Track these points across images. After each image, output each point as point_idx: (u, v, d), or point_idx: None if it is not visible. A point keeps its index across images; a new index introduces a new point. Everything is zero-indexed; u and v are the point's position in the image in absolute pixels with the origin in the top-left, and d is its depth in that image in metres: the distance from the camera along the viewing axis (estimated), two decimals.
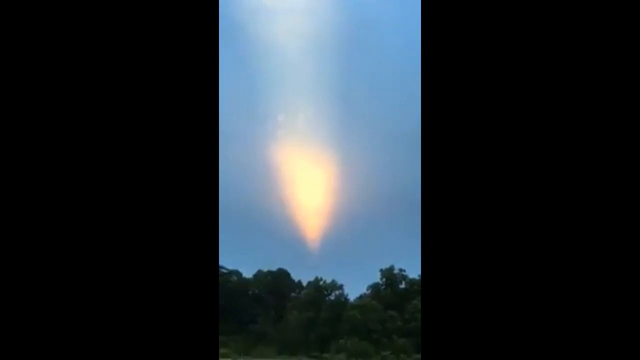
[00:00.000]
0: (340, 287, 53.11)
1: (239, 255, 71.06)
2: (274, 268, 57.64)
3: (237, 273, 57.31)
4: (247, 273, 57.63)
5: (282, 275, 57.33)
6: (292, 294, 54.89)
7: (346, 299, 53.06)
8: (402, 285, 52.47)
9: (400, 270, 52.72)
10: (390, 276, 52.68)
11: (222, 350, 41.54)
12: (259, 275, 57.18)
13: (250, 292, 55.45)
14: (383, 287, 52.75)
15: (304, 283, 55.19)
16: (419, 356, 42.54)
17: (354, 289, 53.76)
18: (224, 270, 56.42)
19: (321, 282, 53.05)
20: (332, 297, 52.82)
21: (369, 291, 52.96)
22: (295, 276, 57.47)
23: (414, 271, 53.26)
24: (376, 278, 53.17)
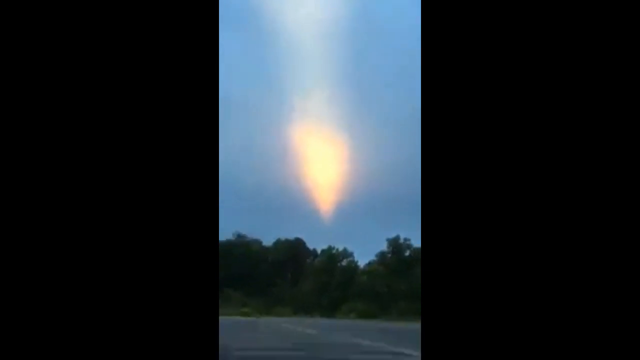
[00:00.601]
0: (351, 254, 53.73)
1: (259, 226, 71.60)
2: (291, 237, 58.11)
3: (258, 242, 58.06)
4: (267, 242, 58.33)
5: (298, 244, 57.88)
6: (307, 261, 55.55)
7: (356, 266, 53.62)
8: (407, 254, 52.69)
9: (405, 239, 53.06)
10: (396, 245, 53.20)
11: (244, 310, 43.20)
12: (278, 243, 57.84)
13: (269, 259, 56.10)
14: (389, 254, 53.19)
15: (318, 251, 55.79)
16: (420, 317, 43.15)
17: (363, 257, 54.46)
18: (246, 239, 57.53)
19: (333, 251, 53.80)
20: (344, 264, 53.43)
21: (377, 258, 53.49)
22: (310, 245, 57.99)
23: (418, 241, 53.60)
24: (383, 247, 53.56)
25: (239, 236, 57.57)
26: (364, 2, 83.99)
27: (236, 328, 19.99)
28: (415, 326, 31.64)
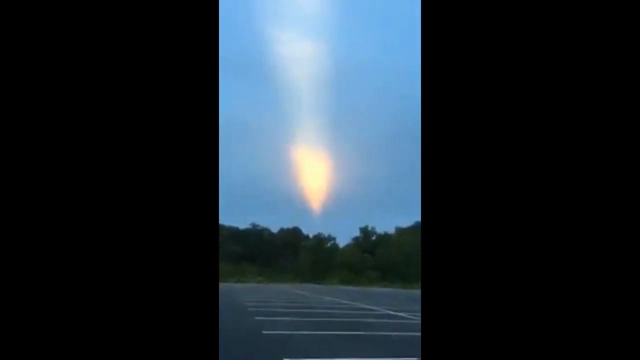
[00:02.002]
0: (334, 238, 55.44)
1: (268, 218, 75.28)
2: (291, 226, 60.03)
3: (267, 229, 60.00)
4: (274, 229, 60.48)
5: (296, 231, 59.30)
6: (303, 243, 56.40)
7: (337, 246, 55.05)
8: (373, 238, 54.79)
9: (372, 228, 55.15)
10: (365, 232, 55.14)
11: (258, 278, 44.26)
12: (282, 231, 59.64)
13: (276, 242, 57.77)
14: (361, 239, 55.04)
15: (311, 236, 57.15)
16: (385, 282, 44.92)
17: (343, 240, 56.54)
18: (259, 228, 59.31)
19: (321, 236, 55.35)
20: (329, 245, 54.81)
21: (352, 241, 55.28)
22: (305, 231, 59.63)
23: (381, 229, 56.27)
24: (357, 233, 55.77)
25: (254, 225, 59.03)
26: (354, 51, 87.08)
27: (251, 290, 22.89)
28: (379, 290, 34.03)
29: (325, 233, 55.51)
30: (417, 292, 24.82)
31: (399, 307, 13.04)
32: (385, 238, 53.52)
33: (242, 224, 59.60)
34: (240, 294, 18.54)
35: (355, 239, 54.86)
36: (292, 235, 57.77)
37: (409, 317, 10.20)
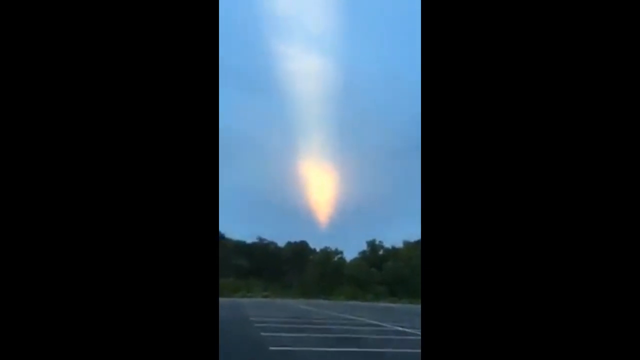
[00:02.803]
0: (341, 252, 55.13)
1: (274, 231, 75.42)
2: (298, 240, 60.15)
3: (273, 243, 60.05)
4: (281, 243, 60.57)
5: (303, 245, 59.40)
6: (310, 257, 56.34)
7: (344, 261, 54.73)
8: (380, 252, 54.54)
9: (379, 242, 55.04)
10: (373, 245, 54.97)
11: (264, 293, 44.24)
12: (288, 244, 59.73)
13: (282, 256, 57.89)
14: (368, 252, 54.84)
15: (318, 250, 57.01)
16: (393, 298, 44.65)
17: (350, 254, 56.27)
18: (266, 241, 59.48)
19: (328, 250, 55.10)
20: (335, 259, 54.46)
21: (359, 255, 55.00)
22: (312, 245, 59.64)
23: (389, 243, 56.03)
24: (364, 247, 55.54)
25: (260, 239, 59.13)
26: (360, 66, 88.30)
27: (257, 306, 22.55)
28: (387, 305, 33.68)
29: (332, 247, 55.45)
30: None
31: (411, 324, 12.90)
32: (392, 252, 53.23)
33: (249, 237, 59.77)
34: (247, 310, 18.55)
35: (363, 252, 54.73)
36: (299, 249, 57.77)
37: (418, 333, 10.22)
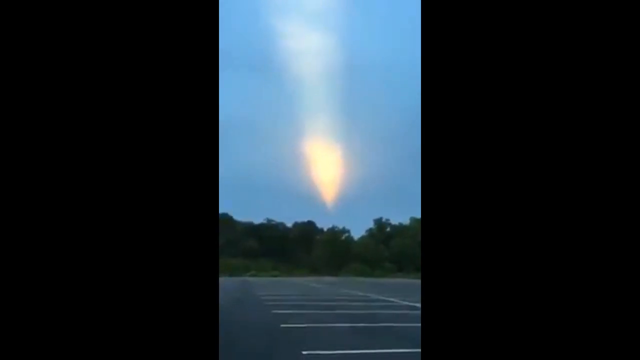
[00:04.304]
0: (348, 231, 55.98)
1: (282, 212, 75.79)
2: (305, 220, 60.73)
3: (282, 224, 60.87)
4: (289, 223, 61.28)
5: (310, 225, 59.97)
6: (317, 236, 57.10)
7: (352, 239, 55.38)
8: (387, 229, 54.99)
9: (386, 219, 55.64)
10: (380, 223, 55.45)
11: (274, 272, 45.51)
12: (296, 224, 60.40)
13: (290, 236, 58.59)
14: (375, 230, 55.24)
15: (325, 229, 57.82)
16: (399, 274, 45.13)
17: (357, 232, 57.00)
18: (274, 222, 60.34)
19: (335, 229, 55.72)
20: (343, 238, 55.14)
21: (366, 233, 55.60)
22: (319, 225, 60.41)
23: (395, 220, 56.35)
24: (371, 224, 56.11)
25: (269, 220, 59.90)
26: (361, 43, 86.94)
27: (266, 284, 23.23)
28: (396, 280, 33.72)
29: (340, 226, 56.05)
30: None
31: (418, 298, 13.05)
32: (400, 229, 53.75)
33: (257, 219, 60.40)
34: (257, 288, 18.89)
35: (370, 230, 55.34)
36: (307, 229, 58.35)
37: None
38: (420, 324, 1.62)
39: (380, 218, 55.21)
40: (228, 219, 55.08)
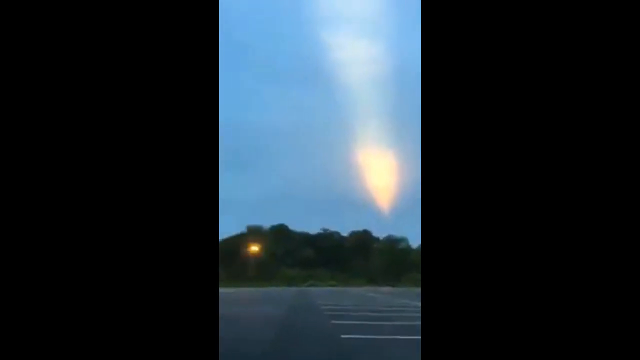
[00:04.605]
0: (405, 239, 55.31)
1: (338, 222, 75.73)
2: (361, 229, 60.47)
3: (337, 233, 61.07)
4: (344, 232, 61.44)
5: (366, 234, 59.77)
6: (374, 245, 57.15)
7: (410, 248, 54.50)
8: None
9: None
10: None
11: (331, 282, 45.96)
12: (352, 233, 60.42)
13: (346, 245, 58.64)
14: None
15: (381, 238, 57.85)
16: None
17: (415, 241, 55.54)
18: (330, 232, 60.62)
19: (392, 237, 55.60)
20: (400, 247, 54.59)
21: None
22: (375, 234, 60.28)
23: None
24: None
25: (325, 230, 60.43)
26: (410, 48, 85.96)
27: (324, 294, 23.47)
28: None
29: (396, 234, 55.96)
30: None
31: None
32: None
33: (313, 229, 60.83)
34: (315, 298, 19.14)
35: None
36: (363, 238, 58.17)
37: None
38: None
39: None
40: (284, 229, 56.11)
